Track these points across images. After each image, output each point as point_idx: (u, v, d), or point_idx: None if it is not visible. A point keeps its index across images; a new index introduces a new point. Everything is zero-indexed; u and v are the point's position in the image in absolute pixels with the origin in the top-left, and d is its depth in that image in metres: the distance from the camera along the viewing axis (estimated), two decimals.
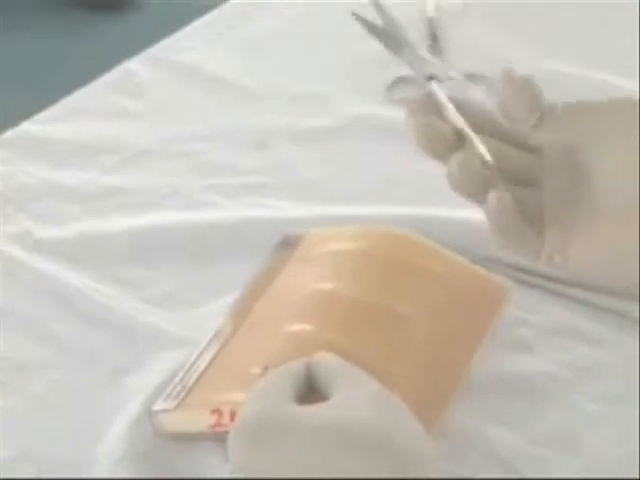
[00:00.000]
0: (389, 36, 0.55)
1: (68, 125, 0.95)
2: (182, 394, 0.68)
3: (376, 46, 1.01)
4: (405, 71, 0.97)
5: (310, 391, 0.59)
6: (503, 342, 0.74)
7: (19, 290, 0.79)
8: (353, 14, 0.55)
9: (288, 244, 0.78)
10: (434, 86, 0.54)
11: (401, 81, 0.97)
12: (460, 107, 0.56)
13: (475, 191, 0.57)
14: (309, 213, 0.84)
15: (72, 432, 0.70)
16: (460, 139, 0.58)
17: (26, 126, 0.94)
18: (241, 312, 0.73)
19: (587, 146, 0.54)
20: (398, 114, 0.95)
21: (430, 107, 0.57)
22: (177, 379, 0.70)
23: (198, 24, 1.08)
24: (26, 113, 0.96)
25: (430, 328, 0.70)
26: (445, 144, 0.57)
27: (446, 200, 0.83)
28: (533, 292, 0.77)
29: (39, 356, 0.75)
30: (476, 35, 1.04)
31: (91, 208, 0.86)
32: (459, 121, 0.55)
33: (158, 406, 0.69)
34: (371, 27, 0.56)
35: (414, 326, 0.70)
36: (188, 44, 1.04)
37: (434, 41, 1.03)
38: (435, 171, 0.88)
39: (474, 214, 0.81)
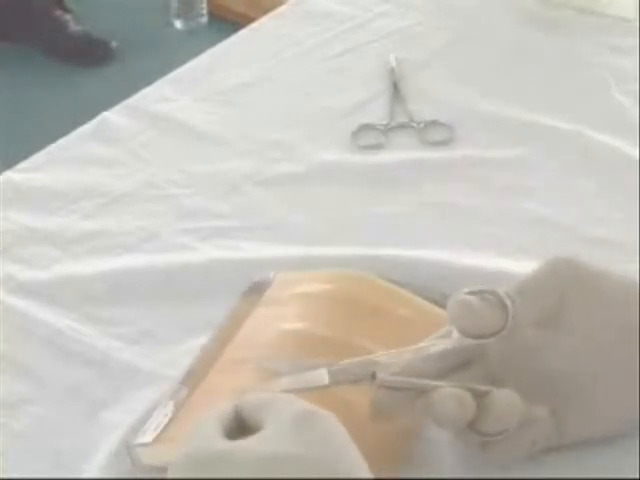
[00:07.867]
0: None
1: (48, 173, 0.96)
2: (160, 428, 0.70)
3: (341, 95, 1.04)
4: (369, 118, 1.00)
5: (242, 431, 0.60)
6: None
7: (4, 331, 0.80)
8: None
9: (257, 287, 0.80)
10: None
11: (366, 128, 1.00)
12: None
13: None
14: (277, 255, 0.86)
15: (52, 466, 0.71)
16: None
17: (8, 174, 0.96)
18: (214, 351, 0.75)
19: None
20: (363, 159, 0.98)
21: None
22: (155, 414, 0.71)
23: (171, 76, 1.09)
24: (9, 162, 0.97)
25: None
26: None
27: (406, 240, 0.87)
28: None
29: (20, 392, 0.76)
30: (436, 85, 1.07)
31: (70, 252, 0.88)
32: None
33: (136, 440, 0.70)
34: None
35: None
36: (162, 95, 1.06)
37: (396, 90, 1.06)
38: (396, 213, 0.91)
39: (432, 254, 0.85)
